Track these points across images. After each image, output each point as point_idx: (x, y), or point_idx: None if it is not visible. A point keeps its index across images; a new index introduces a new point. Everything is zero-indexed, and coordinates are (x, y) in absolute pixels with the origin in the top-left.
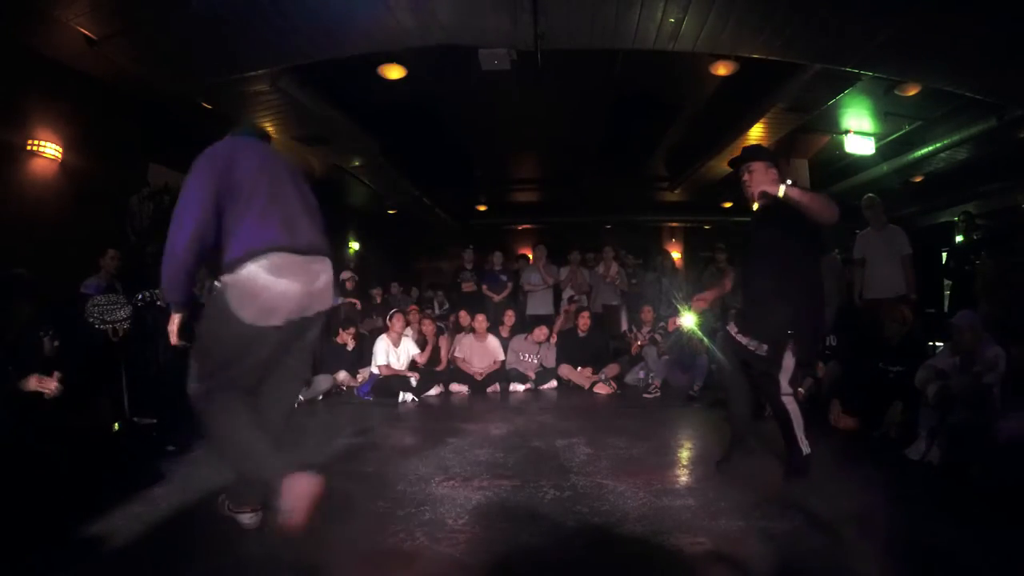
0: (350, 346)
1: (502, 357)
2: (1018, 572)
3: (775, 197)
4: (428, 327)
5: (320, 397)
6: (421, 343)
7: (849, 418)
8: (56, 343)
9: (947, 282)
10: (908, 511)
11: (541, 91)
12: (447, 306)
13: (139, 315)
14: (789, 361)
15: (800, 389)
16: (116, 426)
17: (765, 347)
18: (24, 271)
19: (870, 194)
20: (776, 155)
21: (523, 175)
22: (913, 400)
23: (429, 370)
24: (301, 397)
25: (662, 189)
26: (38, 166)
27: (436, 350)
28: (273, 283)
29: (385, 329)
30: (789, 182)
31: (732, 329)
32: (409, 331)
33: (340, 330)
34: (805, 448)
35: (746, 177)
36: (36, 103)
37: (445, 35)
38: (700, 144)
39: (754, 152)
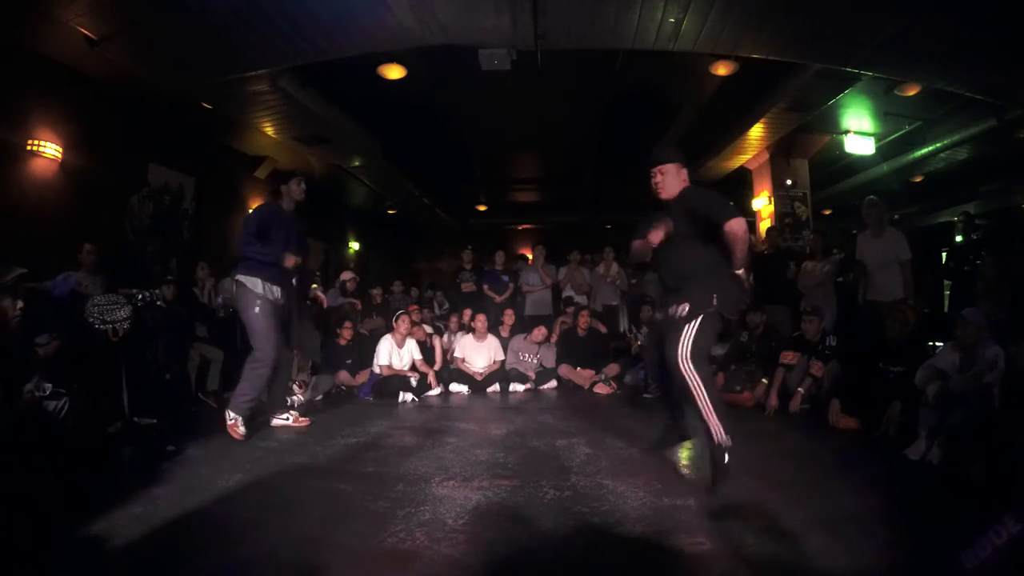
0: (348, 346)
1: (502, 357)
2: (1018, 572)
3: (678, 198)
4: (420, 334)
5: (320, 397)
6: (427, 353)
7: (849, 418)
8: (55, 341)
9: (947, 282)
10: (908, 511)
11: (541, 91)
12: (447, 306)
13: (139, 315)
14: (693, 327)
15: (800, 390)
16: (116, 427)
17: (686, 306)
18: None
19: (871, 196)
20: (684, 156)
21: (523, 175)
22: (913, 400)
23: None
24: (301, 397)
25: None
26: (38, 166)
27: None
28: None
29: (386, 329)
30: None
31: (657, 315)
32: (412, 336)
33: (339, 330)
34: (720, 436)
35: (658, 179)
36: (36, 103)
37: (445, 35)
38: (700, 144)
39: (666, 153)
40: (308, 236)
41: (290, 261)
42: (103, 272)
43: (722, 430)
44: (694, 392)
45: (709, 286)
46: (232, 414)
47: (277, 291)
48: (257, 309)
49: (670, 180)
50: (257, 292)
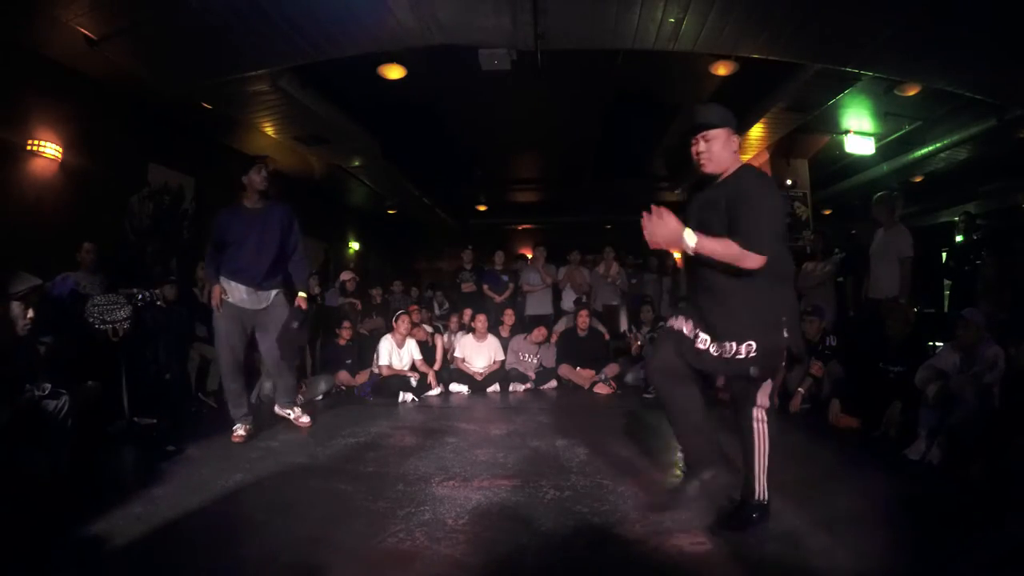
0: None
1: (502, 357)
2: (1018, 572)
3: (731, 178)
4: (421, 334)
5: (320, 397)
6: (427, 353)
7: (849, 418)
8: (48, 340)
9: (947, 282)
10: (908, 511)
11: (541, 91)
12: (447, 306)
13: (139, 315)
14: (749, 349)
15: (800, 390)
16: (116, 427)
17: (741, 348)
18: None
19: (882, 192)
20: (735, 121)
21: (523, 175)
22: (913, 400)
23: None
24: (301, 397)
25: (662, 189)
26: (38, 166)
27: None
28: None
29: (386, 329)
30: (692, 239)
31: (682, 325)
32: (412, 336)
33: (339, 330)
34: (761, 492)
35: (701, 147)
36: (36, 103)
37: (445, 35)
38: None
39: (714, 114)
40: (300, 228)
41: (215, 298)
42: (102, 272)
43: (765, 487)
44: (757, 447)
45: (770, 310)
46: (234, 423)
47: (243, 291)
48: (218, 312)
49: (718, 149)
50: (226, 298)
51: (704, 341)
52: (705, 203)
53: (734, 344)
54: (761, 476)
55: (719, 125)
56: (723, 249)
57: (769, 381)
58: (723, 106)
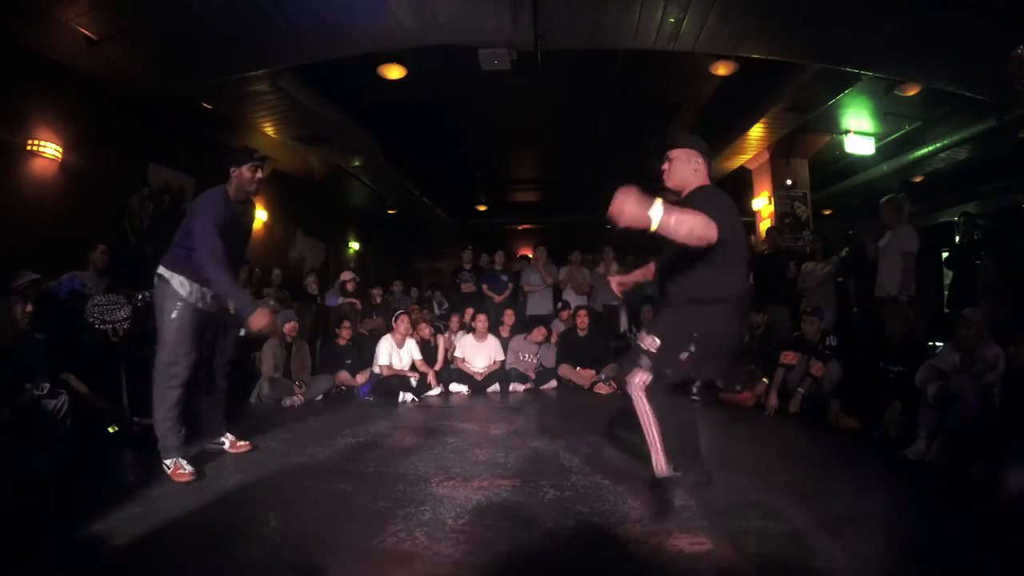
0: (348, 346)
1: (502, 357)
2: (1018, 572)
3: (689, 196)
4: (425, 331)
5: (320, 397)
6: (429, 352)
7: (849, 418)
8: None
9: (947, 281)
10: (908, 511)
11: (541, 91)
12: (447, 306)
13: (139, 315)
14: (653, 343)
15: (800, 390)
16: (114, 427)
17: (647, 340)
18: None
19: (890, 195)
20: (703, 144)
21: (523, 175)
22: (913, 400)
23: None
24: (301, 397)
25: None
26: (38, 166)
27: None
28: None
29: (386, 329)
30: (659, 206)
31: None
32: (413, 335)
33: (338, 330)
34: (661, 468)
35: (664, 167)
36: (36, 103)
37: (445, 35)
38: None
39: (677, 137)
40: (294, 234)
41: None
42: (109, 274)
43: (664, 460)
44: (641, 419)
45: (689, 323)
46: (166, 461)
47: (207, 294)
48: (175, 314)
49: (678, 168)
50: (180, 294)
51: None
52: None
53: (651, 336)
54: (655, 442)
55: (681, 147)
56: (688, 216)
57: (649, 356)
58: (691, 133)
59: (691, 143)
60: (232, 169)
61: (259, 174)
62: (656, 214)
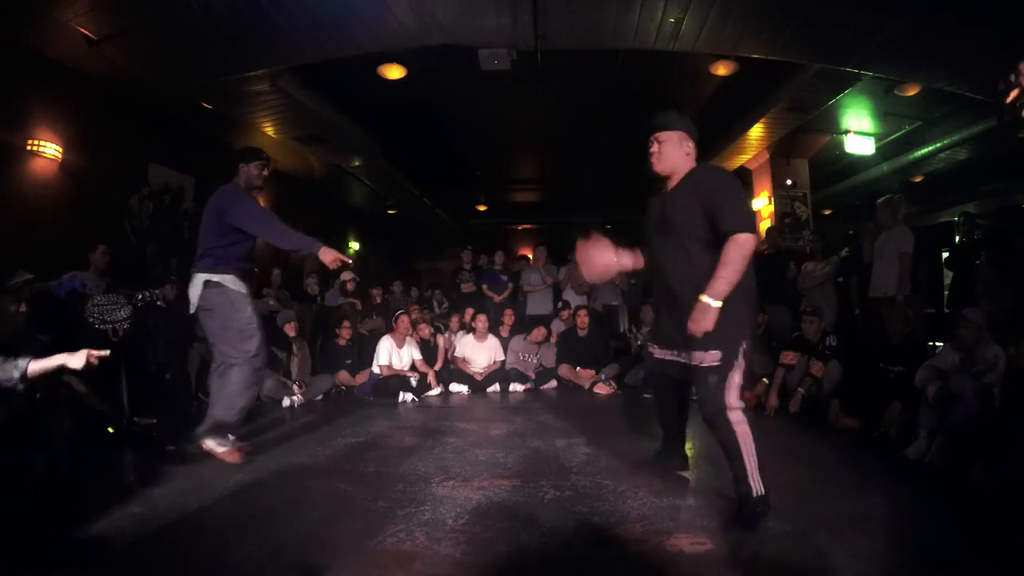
0: (348, 346)
1: (502, 357)
2: (1018, 572)
3: (682, 177)
4: (425, 331)
5: (320, 397)
6: (429, 352)
7: (849, 418)
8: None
9: (947, 281)
10: (908, 511)
11: (541, 91)
12: (447, 306)
13: (139, 315)
14: (737, 372)
15: (800, 390)
16: (113, 428)
17: (717, 356)
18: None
19: (886, 195)
20: (691, 127)
21: (523, 175)
22: (913, 400)
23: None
24: (301, 397)
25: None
26: (38, 166)
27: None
28: None
29: (386, 329)
30: (707, 298)
31: (654, 351)
32: (413, 335)
33: (338, 330)
34: (757, 487)
35: (654, 149)
36: (36, 103)
37: (445, 35)
38: (700, 144)
39: (667, 118)
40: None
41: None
42: (109, 274)
43: (759, 481)
44: (743, 446)
45: (735, 319)
46: (224, 445)
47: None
48: (249, 310)
49: (669, 151)
50: (241, 292)
51: (673, 354)
52: (664, 210)
53: (700, 353)
54: (751, 468)
55: (671, 128)
56: (729, 269)
57: (735, 382)
58: (680, 113)
59: (682, 124)
60: (241, 165)
61: (265, 172)
62: (713, 303)
